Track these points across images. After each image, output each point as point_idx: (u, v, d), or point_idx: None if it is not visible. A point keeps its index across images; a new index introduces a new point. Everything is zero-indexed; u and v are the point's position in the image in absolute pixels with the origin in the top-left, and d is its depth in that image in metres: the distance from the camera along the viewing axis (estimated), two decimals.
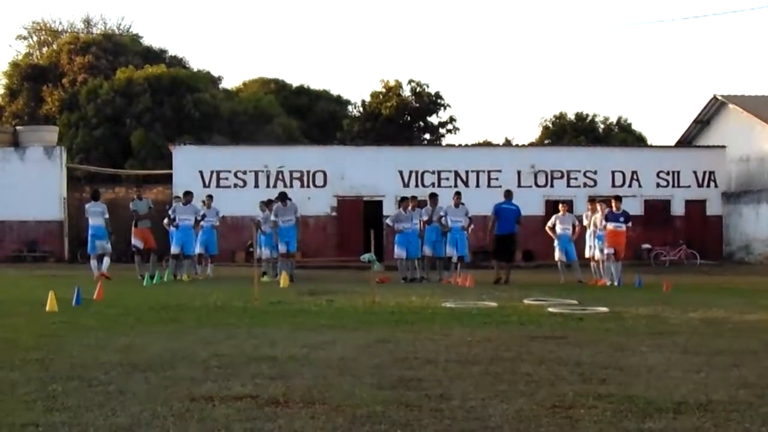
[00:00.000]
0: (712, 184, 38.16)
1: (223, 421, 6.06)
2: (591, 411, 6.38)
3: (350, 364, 8.39)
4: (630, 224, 22.59)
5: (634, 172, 37.59)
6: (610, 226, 22.13)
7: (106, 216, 23.36)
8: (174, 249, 23.83)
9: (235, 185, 35.98)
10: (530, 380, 7.53)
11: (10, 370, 7.92)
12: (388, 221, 24.17)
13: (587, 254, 23.60)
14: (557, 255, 23.71)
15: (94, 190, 25.74)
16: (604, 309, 13.98)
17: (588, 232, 23.46)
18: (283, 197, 24.42)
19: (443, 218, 23.35)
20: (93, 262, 23.35)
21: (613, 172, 37.54)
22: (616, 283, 21.71)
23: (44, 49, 58.82)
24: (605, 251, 22.18)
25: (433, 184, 35.29)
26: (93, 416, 6.14)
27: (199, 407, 6.44)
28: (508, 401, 6.70)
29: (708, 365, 8.37)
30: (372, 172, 36.39)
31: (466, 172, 36.75)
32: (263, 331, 11.03)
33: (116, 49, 52.62)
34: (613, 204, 22.49)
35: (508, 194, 23.54)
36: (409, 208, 23.86)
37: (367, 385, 7.27)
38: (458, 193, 24.36)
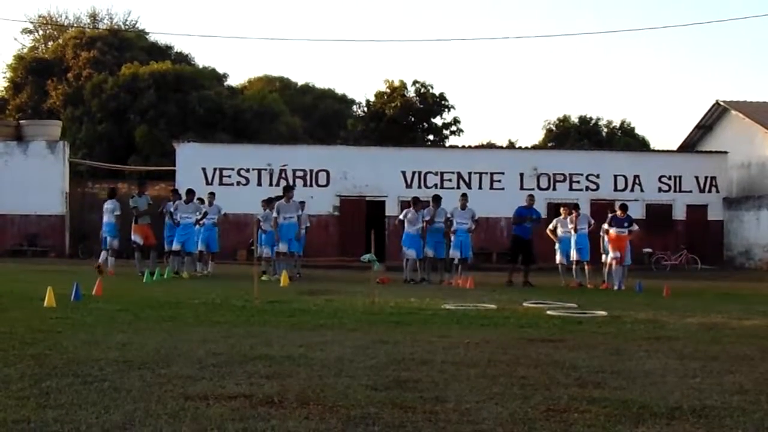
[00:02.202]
0: (713, 189, 38.20)
1: (217, 420, 6.04)
2: (585, 415, 6.37)
3: (347, 364, 8.37)
4: (634, 227, 22.67)
5: (636, 177, 37.64)
6: (614, 231, 22.21)
7: (117, 213, 23.80)
8: (175, 246, 23.87)
9: (238, 183, 36.03)
10: (525, 383, 7.52)
11: (5, 365, 7.90)
12: (401, 216, 24.15)
13: (557, 259, 23.80)
14: (558, 258, 23.75)
15: (111, 188, 25.93)
16: (603, 313, 13.97)
17: (573, 237, 23.46)
18: (287, 189, 24.41)
19: (450, 220, 23.39)
20: (103, 254, 23.92)
21: (615, 176, 37.59)
22: (616, 287, 21.75)
23: (50, 43, 58.92)
24: (610, 255, 22.23)
25: (435, 186, 35.34)
26: (86, 414, 6.13)
27: (193, 406, 6.43)
28: (502, 404, 6.69)
29: (703, 371, 8.36)
30: (375, 172, 36.43)
31: (469, 173, 36.79)
32: (261, 329, 11.03)
33: (122, 44, 52.67)
34: (618, 212, 22.59)
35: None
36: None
37: (362, 386, 7.26)
38: (464, 195, 24.36)
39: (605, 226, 22.71)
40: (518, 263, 23.58)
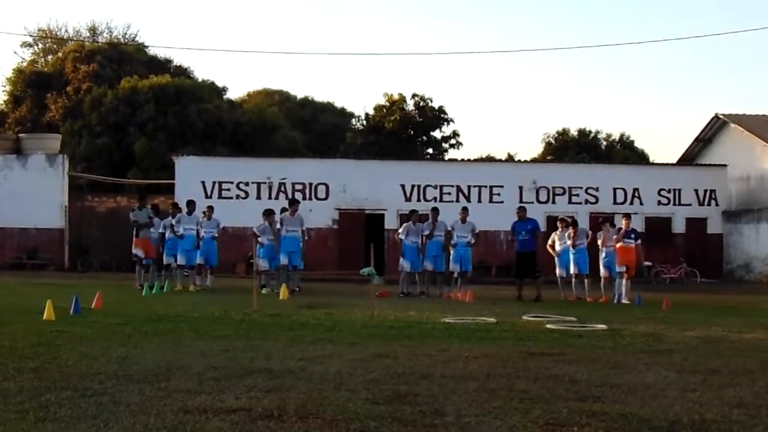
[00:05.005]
0: (713, 202, 38.23)
1: None
2: (584, 429, 6.35)
3: (346, 378, 8.36)
4: (639, 242, 22.71)
5: (635, 190, 37.69)
6: (621, 243, 22.25)
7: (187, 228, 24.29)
8: (179, 260, 23.95)
9: (237, 196, 36.04)
10: (525, 397, 7.50)
11: (4, 379, 7.88)
12: (400, 235, 24.05)
13: (557, 273, 23.73)
14: (558, 271, 23.71)
15: (188, 201, 25.55)
16: (603, 326, 13.95)
17: (571, 251, 23.42)
18: (293, 202, 24.40)
19: (451, 233, 23.40)
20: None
21: (614, 189, 37.64)
22: (615, 301, 21.75)
23: (49, 57, 58.97)
24: (617, 268, 22.25)
25: (435, 199, 35.36)
26: (85, 427, 6.12)
27: (192, 420, 6.41)
28: (502, 418, 6.67)
29: (704, 384, 8.34)
30: (374, 185, 36.45)
31: (468, 187, 36.82)
32: (260, 343, 11.01)
33: (121, 57, 52.74)
34: (623, 222, 22.67)
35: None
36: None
37: (362, 400, 7.24)
38: (465, 209, 24.39)
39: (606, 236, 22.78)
40: (524, 278, 23.38)
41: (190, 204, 24.76)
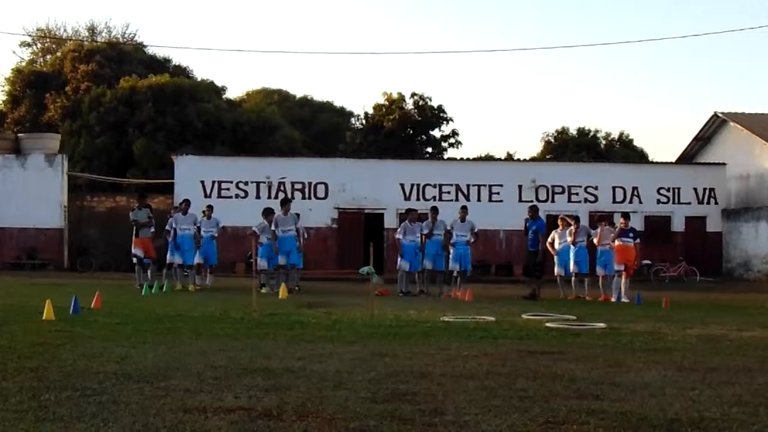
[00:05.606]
0: (712, 201, 38.23)
1: None
2: (583, 427, 6.36)
3: (345, 377, 8.36)
4: (638, 240, 22.68)
5: (634, 188, 37.70)
6: (619, 241, 22.25)
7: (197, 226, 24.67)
8: (177, 259, 23.96)
9: (237, 196, 36.03)
10: (524, 396, 7.50)
11: (3, 379, 7.89)
12: (398, 235, 24.02)
13: (556, 271, 23.70)
14: (556, 270, 23.71)
15: (183, 200, 25.72)
16: (602, 325, 13.95)
17: (572, 249, 23.39)
18: (284, 202, 24.42)
19: (450, 232, 23.41)
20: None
21: (614, 188, 37.64)
22: (614, 299, 21.74)
23: (48, 57, 58.86)
24: (615, 267, 22.25)
25: (434, 198, 35.33)
26: (84, 427, 6.12)
27: (191, 419, 6.42)
28: (501, 417, 6.67)
29: (703, 382, 8.35)
30: (373, 184, 36.45)
31: (468, 186, 36.82)
32: (260, 342, 11.02)
33: (120, 57, 52.65)
34: (621, 221, 22.69)
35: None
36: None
37: (361, 399, 7.25)
38: (464, 208, 24.41)
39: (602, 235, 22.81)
40: (531, 276, 23.33)
41: (185, 203, 24.81)
